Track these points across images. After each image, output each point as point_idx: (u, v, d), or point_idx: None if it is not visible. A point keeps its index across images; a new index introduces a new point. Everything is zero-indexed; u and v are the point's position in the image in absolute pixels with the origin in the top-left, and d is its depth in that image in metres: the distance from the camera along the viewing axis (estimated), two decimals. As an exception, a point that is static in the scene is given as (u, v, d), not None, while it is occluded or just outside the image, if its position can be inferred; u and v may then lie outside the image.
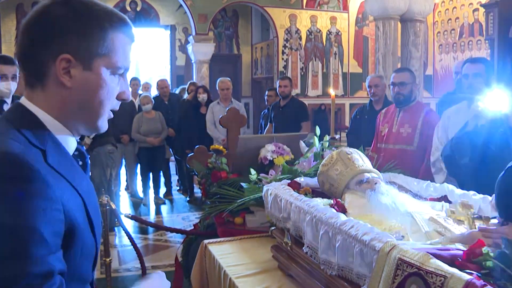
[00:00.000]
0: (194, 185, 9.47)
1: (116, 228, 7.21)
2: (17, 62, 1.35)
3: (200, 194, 9.35)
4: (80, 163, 1.43)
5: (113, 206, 4.24)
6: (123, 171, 9.72)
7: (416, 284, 1.63)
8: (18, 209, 1.09)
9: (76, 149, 1.42)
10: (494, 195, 2.36)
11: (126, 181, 10.16)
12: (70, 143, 1.38)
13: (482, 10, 12.09)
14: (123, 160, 9.23)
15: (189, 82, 9.70)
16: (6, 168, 1.12)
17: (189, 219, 8.28)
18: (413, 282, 1.64)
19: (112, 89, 1.36)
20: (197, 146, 4.63)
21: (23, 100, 1.33)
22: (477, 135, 3.43)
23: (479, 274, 1.60)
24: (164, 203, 9.42)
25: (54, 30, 1.26)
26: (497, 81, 4.34)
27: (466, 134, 3.46)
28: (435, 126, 4.30)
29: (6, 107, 4.10)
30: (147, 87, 11.67)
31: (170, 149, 9.67)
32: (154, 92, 11.11)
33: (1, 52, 15.47)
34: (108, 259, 4.07)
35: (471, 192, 2.64)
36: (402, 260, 1.71)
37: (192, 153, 4.55)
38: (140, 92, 10.96)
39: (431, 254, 1.69)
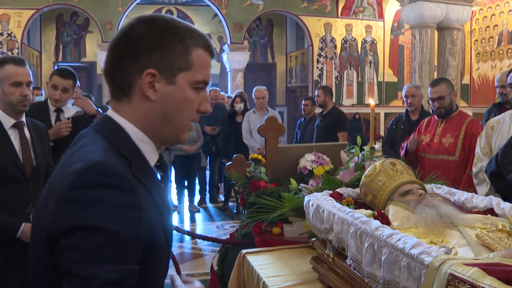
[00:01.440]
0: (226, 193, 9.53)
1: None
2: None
3: (231, 203, 9.38)
4: (161, 174, 1.50)
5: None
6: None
7: (469, 301, 1.59)
8: (113, 216, 1.17)
9: (158, 160, 1.48)
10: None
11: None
12: (153, 155, 1.44)
13: (522, 17, 11.89)
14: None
15: (234, 95, 9.62)
16: (102, 177, 1.20)
17: (223, 228, 8.28)
18: (466, 299, 1.60)
19: (192, 102, 1.43)
20: (235, 155, 4.62)
21: (110, 112, 1.42)
22: None
23: (535, 292, 1.55)
24: (199, 211, 9.44)
25: (140, 47, 1.35)
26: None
27: (511, 149, 3.37)
28: (478, 136, 4.22)
29: (62, 116, 4.32)
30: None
31: (207, 158, 9.69)
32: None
33: (41, 60, 15.84)
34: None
35: (520, 206, 2.57)
36: (453, 276, 1.66)
37: (230, 162, 4.55)
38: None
39: (484, 270, 1.64)
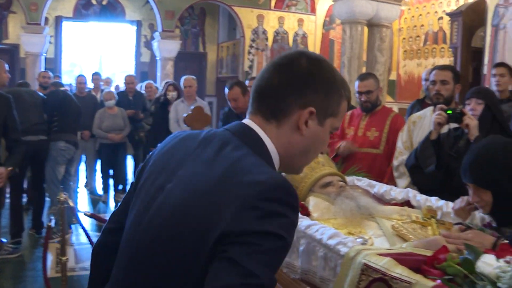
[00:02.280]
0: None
1: (73, 226, 7.05)
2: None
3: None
4: None
5: (71, 204, 4.15)
6: (82, 167, 9.53)
7: (381, 290, 1.62)
8: (288, 231, 1.29)
9: None
10: (456, 200, 2.38)
11: (86, 177, 9.95)
12: None
13: (446, 18, 12.28)
14: (83, 156, 9.06)
15: (168, 84, 9.47)
16: (288, 196, 1.32)
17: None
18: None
19: (326, 144, 1.58)
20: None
21: (254, 126, 1.48)
22: (441, 144, 3.45)
23: (443, 280, 1.59)
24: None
25: (308, 85, 1.46)
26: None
27: (430, 143, 3.47)
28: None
29: None
30: (108, 82, 11.49)
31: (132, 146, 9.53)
32: (116, 87, 10.92)
33: None
34: (64, 258, 3.98)
35: (434, 198, 2.65)
36: (367, 266, 1.70)
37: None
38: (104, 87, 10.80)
39: (396, 259, 1.68)
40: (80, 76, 9.41)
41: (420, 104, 5.59)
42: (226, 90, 5.37)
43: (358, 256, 1.74)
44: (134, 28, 16.94)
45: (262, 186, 1.29)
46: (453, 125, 3.47)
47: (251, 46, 15.74)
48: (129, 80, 9.73)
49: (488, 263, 1.58)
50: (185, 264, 1.33)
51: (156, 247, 1.39)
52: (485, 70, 7.90)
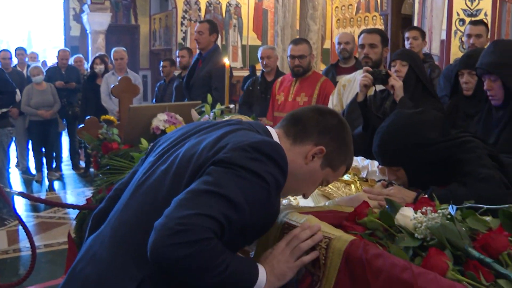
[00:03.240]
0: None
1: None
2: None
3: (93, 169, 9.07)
4: None
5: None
6: (13, 146, 9.21)
7: (301, 247, 1.60)
8: (269, 177, 1.50)
9: None
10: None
11: (17, 157, 9.61)
12: None
13: (377, -14, 12.41)
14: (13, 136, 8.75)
15: (94, 57, 9.23)
16: (277, 154, 1.55)
17: (84, 194, 7.96)
18: (298, 246, 1.61)
19: (314, 186, 1.83)
20: (88, 117, 4.42)
21: (272, 131, 1.77)
22: (367, 105, 3.48)
23: (363, 235, 1.60)
24: (60, 179, 9.03)
25: (331, 133, 1.76)
26: (390, 54, 4.46)
27: (357, 105, 3.50)
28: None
29: None
30: (33, 57, 11.07)
31: (64, 121, 9.25)
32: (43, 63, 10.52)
33: None
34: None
35: (360, 157, 2.67)
36: (288, 224, 1.69)
37: (83, 125, 4.34)
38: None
39: (317, 216, 1.67)
40: (4, 51, 9.02)
41: (334, 69, 5.60)
42: None
43: (279, 215, 1.73)
44: (62, 0, 16.34)
45: (255, 139, 1.54)
46: (379, 87, 3.50)
47: (184, 18, 15.49)
48: (62, 55, 9.45)
49: (405, 215, 1.59)
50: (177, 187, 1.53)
51: (157, 183, 1.61)
52: (414, 36, 8.02)
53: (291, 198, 2.16)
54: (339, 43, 5.40)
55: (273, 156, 1.52)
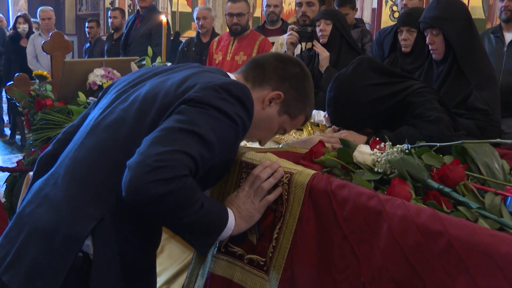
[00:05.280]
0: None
1: None
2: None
3: (18, 136, 8.73)
4: None
5: None
6: None
7: (262, 183, 1.59)
8: (235, 117, 1.48)
9: None
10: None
11: None
12: None
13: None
14: None
15: (16, 16, 8.76)
16: (244, 96, 1.53)
17: (11, 161, 7.63)
18: (258, 182, 1.60)
19: (271, 133, 1.81)
20: (17, 74, 4.22)
21: (232, 76, 1.74)
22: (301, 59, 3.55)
23: (322, 172, 1.60)
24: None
25: (291, 81, 1.73)
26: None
27: None
28: (269, 53, 4.35)
29: None
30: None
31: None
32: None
33: None
34: None
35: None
36: (246, 163, 1.66)
37: (12, 82, 4.14)
38: None
39: (275, 155, 1.66)
40: None
41: (261, 31, 5.56)
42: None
43: (237, 156, 1.70)
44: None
45: (225, 82, 1.53)
46: (308, 45, 3.57)
47: (112, -19, 15.01)
48: None
49: (363, 152, 1.61)
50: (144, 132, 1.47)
51: (127, 123, 1.54)
52: None
53: (241, 144, 2.14)
54: (268, 5, 5.33)
55: (242, 98, 1.51)
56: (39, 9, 7.73)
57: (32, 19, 8.58)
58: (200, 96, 1.45)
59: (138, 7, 5.81)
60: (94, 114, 1.70)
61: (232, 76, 1.74)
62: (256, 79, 1.72)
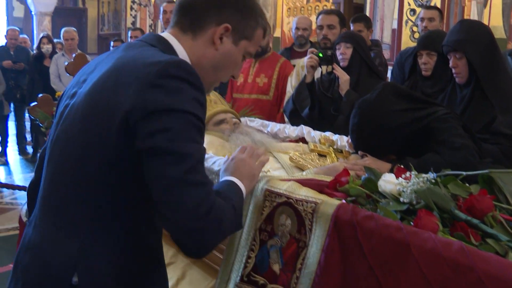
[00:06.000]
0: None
1: None
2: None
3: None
4: None
5: None
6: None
7: (286, 213, 1.59)
8: (194, 105, 1.36)
9: None
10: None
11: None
12: None
13: (328, -25, 12.46)
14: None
15: (41, 36, 8.89)
16: (186, 73, 1.38)
17: (32, 180, 7.71)
18: (283, 212, 1.59)
19: (237, 66, 1.67)
20: (41, 94, 4.27)
21: (167, 36, 1.57)
22: (315, 86, 3.54)
23: (346, 201, 1.59)
24: (5, 164, 8.71)
25: (229, 4, 1.57)
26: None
27: (305, 86, 3.56)
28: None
29: None
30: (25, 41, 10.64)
31: (11, 105, 8.91)
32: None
33: None
34: None
35: (328, 132, 2.67)
36: (270, 191, 1.65)
37: (35, 103, 4.19)
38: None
39: (300, 183, 1.65)
40: None
41: (289, 52, 5.59)
42: None
43: (260, 183, 1.69)
44: (4, -21, 15.77)
45: (160, 65, 1.36)
46: (328, 68, 3.57)
47: (133, 2, 15.19)
48: (12, 34, 9.02)
49: (389, 181, 1.59)
50: (98, 148, 1.38)
51: (71, 142, 1.44)
52: (366, 24, 8.13)
53: (264, 170, 2.14)
54: (297, 28, 5.35)
55: (182, 77, 1.37)
56: (63, 30, 7.85)
57: (55, 40, 8.72)
58: (145, 107, 1.32)
59: (163, 29, 5.84)
60: (50, 134, 1.60)
61: (169, 36, 1.57)
62: (193, 24, 1.57)
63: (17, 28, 9.55)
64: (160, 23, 16.00)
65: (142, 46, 1.52)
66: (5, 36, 9.22)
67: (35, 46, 9.75)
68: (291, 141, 2.71)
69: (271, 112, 4.59)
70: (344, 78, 3.35)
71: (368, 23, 5.09)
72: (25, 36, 10.23)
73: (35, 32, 14.03)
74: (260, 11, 1.65)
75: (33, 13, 14.30)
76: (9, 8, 15.79)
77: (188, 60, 1.53)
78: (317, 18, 4.31)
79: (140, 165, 1.34)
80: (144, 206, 1.45)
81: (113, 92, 1.37)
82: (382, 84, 2.27)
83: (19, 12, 15.84)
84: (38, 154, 1.73)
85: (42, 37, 8.29)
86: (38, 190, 1.59)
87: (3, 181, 7.79)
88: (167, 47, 1.53)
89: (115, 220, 1.43)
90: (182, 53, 1.55)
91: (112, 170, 1.39)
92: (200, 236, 1.31)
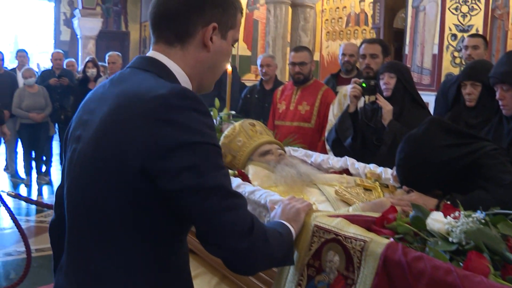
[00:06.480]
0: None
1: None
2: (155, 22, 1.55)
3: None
4: None
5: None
6: (2, 149, 9.09)
7: (334, 250, 1.59)
8: (209, 133, 1.34)
9: None
10: (395, 167, 2.39)
11: (6, 160, 9.47)
12: None
13: (367, 1, 12.50)
14: (2, 138, 8.64)
15: (86, 60, 9.12)
16: (191, 101, 1.34)
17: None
18: (330, 248, 1.60)
19: (229, 55, 1.63)
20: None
21: (155, 54, 1.51)
22: (357, 116, 3.53)
23: (395, 239, 1.59)
24: (49, 183, 8.90)
25: (208, 2, 1.50)
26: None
27: (348, 115, 3.56)
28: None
29: None
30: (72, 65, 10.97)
31: (56, 126, 9.13)
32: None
33: None
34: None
35: (372, 165, 2.66)
36: (318, 227, 1.67)
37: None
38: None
39: (347, 220, 1.66)
40: (-3, 52, 8.91)
41: (335, 79, 5.60)
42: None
43: (309, 218, 1.71)
44: (52, 4, 16.26)
45: (163, 98, 1.31)
46: (371, 98, 3.56)
47: (174, 25, 15.46)
48: (56, 56, 9.33)
49: (437, 220, 1.59)
50: (116, 195, 1.35)
51: (87, 192, 1.40)
52: (407, 50, 8.11)
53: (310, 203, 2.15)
54: (344, 54, 5.36)
55: (186, 106, 1.33)
56: (107, 54, 8.04)
57: (100, 63, 8.93)
58: (161, 145, 1.28)
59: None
60: (63, 179, 1.57)
61: (158, 54, 1.50)
62: (179, 34, 1.50)
63: (61, 51, 9.81)
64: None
65: (136, 74, 1.46)
66: (50, 59, 9.50)
67: (79, 68, 10.01)
68: (334, 172, 2.72)
69: (312, 140, 4.60)
70: (387, 108, 3.34)
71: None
72: (72, 59, 10.50)
73: (79, 54, 14.40)
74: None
75: (78, 36, 14.70)
76: (57, 32, 16.26)
77: (184, 75, 1.51)
78: (359, 47, 4.33)
79: (165, 200, 1.33)
80: (171, 241, 1.45)
81: (120, 134, 1.33)
82: (428, 119, 2.26)
83: (65, 35, 16.32)
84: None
85: (88, 61, 8.50)
86: (60, 229, 1.58)
87: (46, 200, 7.96)
88: (161, 69, 1.47)
89: (144, 261, 1.40)
90: (177, 70, 1.50)
91: (135, 213, 1.36)
92: (249, 254, 1.34)
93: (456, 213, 1.59)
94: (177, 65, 1.50)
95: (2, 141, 8.60)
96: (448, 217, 1.60)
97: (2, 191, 4.47)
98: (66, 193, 1.51)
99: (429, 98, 6.46)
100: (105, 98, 1.44)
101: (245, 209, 1.37)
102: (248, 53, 16.59)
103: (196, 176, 1.28)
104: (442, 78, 7.27)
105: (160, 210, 1.36)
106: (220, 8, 1.52)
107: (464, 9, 7.12)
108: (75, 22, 14.74)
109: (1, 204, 3.92)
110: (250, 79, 15.92)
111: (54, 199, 1.72)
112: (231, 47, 1.61)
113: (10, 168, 9.15)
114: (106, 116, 1.38)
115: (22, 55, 10.08)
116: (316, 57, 15.98)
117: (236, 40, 1.63)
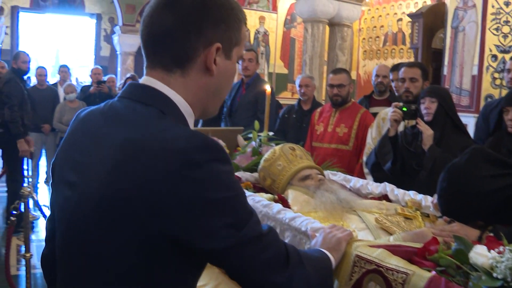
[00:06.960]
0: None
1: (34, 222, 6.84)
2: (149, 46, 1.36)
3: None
4: None
5: (35, 197, 4.02)
6: (43, 162, 9.26)
7: (375, 281, 1.60)
8: (233, 182, 1.24)
9: None
10: (435, 195, 2.38)
11: (46, 173, 9.66)
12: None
13: (405, 20, 12.45)
14: (43, 151, 8.82)
15: (126, 77, 9.31)
16: (213, 153, 1.20)
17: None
18: (372, 279, 1.61)
19: (234, 75, 1.46)
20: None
21: (154, 83, 1.32)
22: (397, 140, 3.52)
23: (437, 271, 1.58)
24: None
25: (207, 18, 1.30)
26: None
27: (388, 139, 3.56)
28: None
29: None
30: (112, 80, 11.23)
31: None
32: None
33: None
34: (28, 255, 3.86)
35: (412, 192, 2.65)
36: (359, 257, 1.67)
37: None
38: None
39: (388, 250, 1.66)
40: (40, 68, 9.14)
41: (368, 100, 5.60)
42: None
43: (350, 248, 1.71)
44: (94, 21, 16.64)
45: (184, 154, 1.17)
46: (411, 122, 3.55)
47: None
48: (96, 71, 9.59)
49: (481, 254, 1.57)
50: (129, 254, 1.22)
51: (92, 248, 1.27)
52: (445, 70, 8.05)
53: (350, 230, 2.15)
54: (377, 75, 5.38)
55: (207, 159, 1.19)
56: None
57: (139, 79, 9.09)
58: (194, 203, 1.17)
59: (242, 76, 6.00)
60: (56, 228, 1.42)
61: (159, 84, 1.31)
62: (178, 59, 1.31)
63: (100, 67, 10.04)
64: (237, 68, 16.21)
65: (135, 110, 1.29)
66: (90, 75, 9.74)
67: (118, 84, 10.21)
68: (373, 198, 2.71)
69: (350, 162, 4.59)
70: (427, 133, 3.32)
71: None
72: (113, 75, 10.71)
73: (118, 70, 14.67)
74: (236, 4, 1.39)
75: (118, 52, 14.99)
76: (97, 48, 16.61)
77: (187, 105, 1.34)
78: (398, 70, 4.32)
79: (194, 257, 1.25)
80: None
81: (134, 193, 1.18)
82: (471, 148, 2.25)
83: (105, 51, 16.64)
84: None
85: (127, 77, 8.66)
86: (53, 262, 1.44)
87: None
88: (163, 102, 1.30)
89: None
90: (179, 101, 1.32)
91: (148, 271, 1.23)
92: (291, 285, 1.31)
93: (501, 248, 1.58)
94: (179, 96, 1.32)
95: (44, 153, 8.79)
96: (492, 251, 1.59)
97: (44, 205, 4.57)
98: (59, 243, 1.39)
99: (468, 120, 6.39)
100: (102, 139, 1.29)
101: (276, 240, 1.33)
102: (285, 71, 16.66)
103: (233, 232, 1.21)
104: (482, 100, 7.19)
105: (178, 265, 1.26)
106: (222, 24, 1.33)
107: (506, 29, 7.04)
108: (115, 38, 15.04)
109: (43, 217, 3.99)
110: (286, 97, 15.96)
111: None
112: (236, 65, 1.43)
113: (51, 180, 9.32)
114: (112, 168, 1.22)
115: (64, 70, 10.38)
116: (353, 76, 15.96)
117: (241, 57, 1.44)
